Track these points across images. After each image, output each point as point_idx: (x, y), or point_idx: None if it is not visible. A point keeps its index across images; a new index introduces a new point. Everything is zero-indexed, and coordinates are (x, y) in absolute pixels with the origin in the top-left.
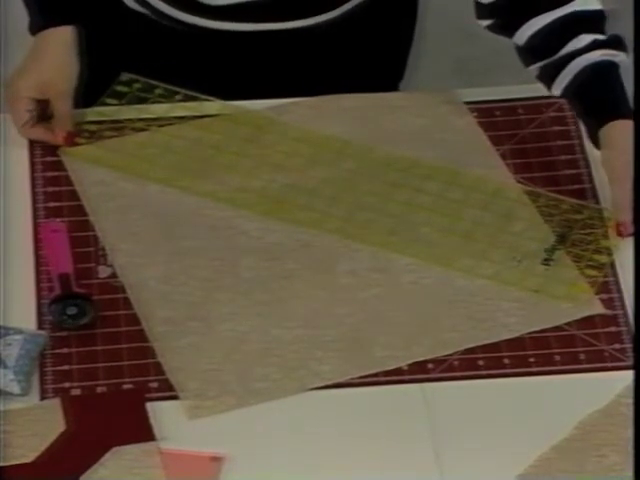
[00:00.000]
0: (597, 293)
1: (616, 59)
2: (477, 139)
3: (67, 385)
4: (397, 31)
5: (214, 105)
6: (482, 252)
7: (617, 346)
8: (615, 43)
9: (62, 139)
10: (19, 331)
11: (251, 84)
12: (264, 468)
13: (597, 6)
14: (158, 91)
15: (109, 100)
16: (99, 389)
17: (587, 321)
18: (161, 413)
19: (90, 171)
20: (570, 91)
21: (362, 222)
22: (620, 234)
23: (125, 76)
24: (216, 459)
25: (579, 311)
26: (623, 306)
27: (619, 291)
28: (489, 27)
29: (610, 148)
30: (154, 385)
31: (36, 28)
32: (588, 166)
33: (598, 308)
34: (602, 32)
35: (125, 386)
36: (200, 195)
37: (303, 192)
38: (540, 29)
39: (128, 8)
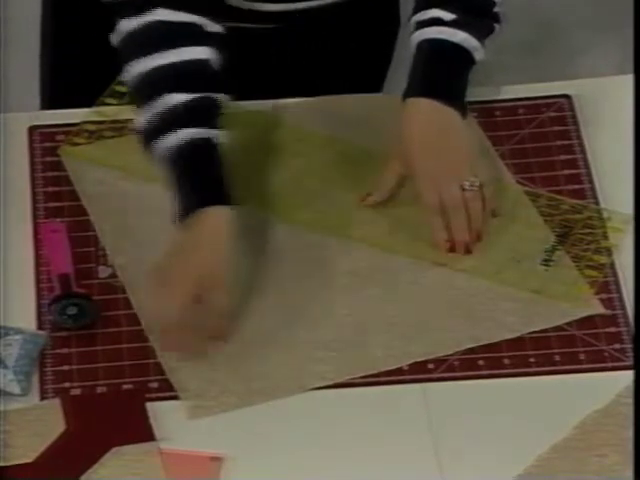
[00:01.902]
0: (597, 293)
1: (452, 39)
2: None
3: (67, 385)
4: (379, 29)
5: None
6: (482, 252)
7: (617, 346)
8: (461, 24)
9: None
10: (19, 331)
11: (250, 82)
12: (264, 468)
13: None
14: None
15: (109, 100)
16: (99, 389)
17: (587, 321)
18: (161, 413)
19: (90, 171)
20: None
21: (362, 222)
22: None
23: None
24: (216, 459)
25: (579, 311)
26: (623, 306)
27: (619, 291)
28: None
29: (404, 122)
30: (154, 385)
31: (191, 207)
32: (588, 166)
33: (598, 308)
34: (455, 11)
35: (125, 386)
36: None
37: (303, 192)
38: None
39: None
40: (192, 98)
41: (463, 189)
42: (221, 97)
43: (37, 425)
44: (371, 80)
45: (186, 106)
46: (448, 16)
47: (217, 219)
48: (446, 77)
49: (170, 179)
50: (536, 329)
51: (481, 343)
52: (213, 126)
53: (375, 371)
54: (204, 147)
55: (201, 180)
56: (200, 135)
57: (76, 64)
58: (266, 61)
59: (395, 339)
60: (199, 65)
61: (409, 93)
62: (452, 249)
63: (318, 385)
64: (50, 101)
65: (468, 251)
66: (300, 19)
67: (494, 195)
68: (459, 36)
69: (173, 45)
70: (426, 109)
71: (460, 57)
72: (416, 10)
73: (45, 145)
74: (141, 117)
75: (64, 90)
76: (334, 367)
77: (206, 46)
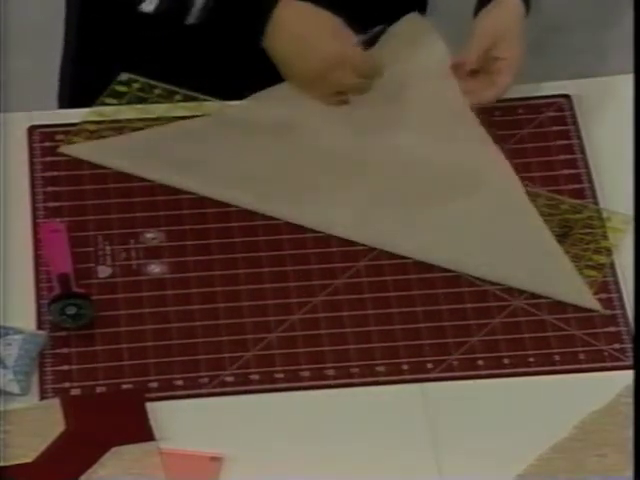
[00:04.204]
0: (596, 293)
1: None
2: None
3: (67, 385)
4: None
5: (214, 105)
6: (482, 252)
7: (616, 346)
8: None
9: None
10: (19, 331)
11: (248, 80)
12: (264, 468)
13: None
14: (157, 91)
15: (108, 100)
16: (99, 389)
17: (587, 321)
18: (161, 413)
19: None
20: None
21: (365, 218)
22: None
23: (124, 76)
24: (216, 459)
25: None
26: (622, 306)
27: (618, 291)
28: None
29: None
30: (154, 385)
31: (266, 15)
32: (587, 166)
33: (597, 308)
34: None
35: (125, 386)
36: (199, 193)
37: (303, 186)
38: None
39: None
40: None
41: None
42: None
43: (37, 425)
44: None
45: None
46: None
47: (296, 3)
48: None
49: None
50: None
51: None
52: None
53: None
54: None
55: None
56: None
57: (99, 64)
58: None
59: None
60: None
61: None
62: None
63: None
64: (70, 100)
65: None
66: None
67: None
68: None
69: None
70: (518, 7)
71: None
72: None
73: (45, 145)
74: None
75: (85, 90)
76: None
77: None
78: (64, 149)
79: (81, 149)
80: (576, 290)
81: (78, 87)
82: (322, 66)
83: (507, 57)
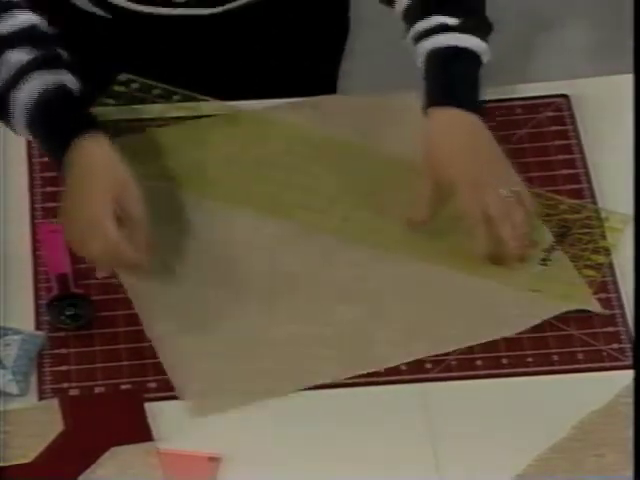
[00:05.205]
0: (595, 293)
1: (464, 44)
2: None
3: (65, 385)
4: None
5: (212, 105)
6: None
7: (615, 346)
8: (467, 28)
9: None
10: (17, 331)
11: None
12: (261, 468)
13: None
14: (156, 91)
15: (107, 100)
16: (97, 389)
17: (585, 321)
18: (159, 413)
19: None
20: (422, 72)
21: (361, 222)
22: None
23: (123, 76)
24: (214, 459)
25: (577, 305)
26: (621, 306)
27: (617, 291)
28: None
29: (434, 134)
30: (152, 385)
31: (66, 143)
32: (586, 166)
33: (596, 308)
34: (458, 15)
35: (123, 386)
36: (196, 193)
37: (301, 191)
38: (407, 4)
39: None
40: (35, 52)
41: (504, 196)
42: (63, 53)
43: (35, 425)
44: (323, 76)
45: (30, 60)
46: (452, 21)
47: (97, 143)
48: (465, 84)
49: (36, 133)
50: (535, 322)
51: (481, 341)
52: (63, 73)
53: (376, 369)
54: (61, 91)
55: (68, 117)
56: (54, 80)
57: None
58: (203, 49)
59: (397, 336)
60: (32, 26)
61: (432, 103)
62: (497, 261)
63: (318, 382)
64: None
65: (522, 260)
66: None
67: (531, 198)
68: (470, 41)
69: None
70: (454, 118)
71: (473, 62)
72: (414, 18)
73: None
74: None
75: None
76: (334, 365)
77: (32, 12)
78: None
79: None
80: (575, 290)
81: None
82: (81, 231)
83: (460, 184)
